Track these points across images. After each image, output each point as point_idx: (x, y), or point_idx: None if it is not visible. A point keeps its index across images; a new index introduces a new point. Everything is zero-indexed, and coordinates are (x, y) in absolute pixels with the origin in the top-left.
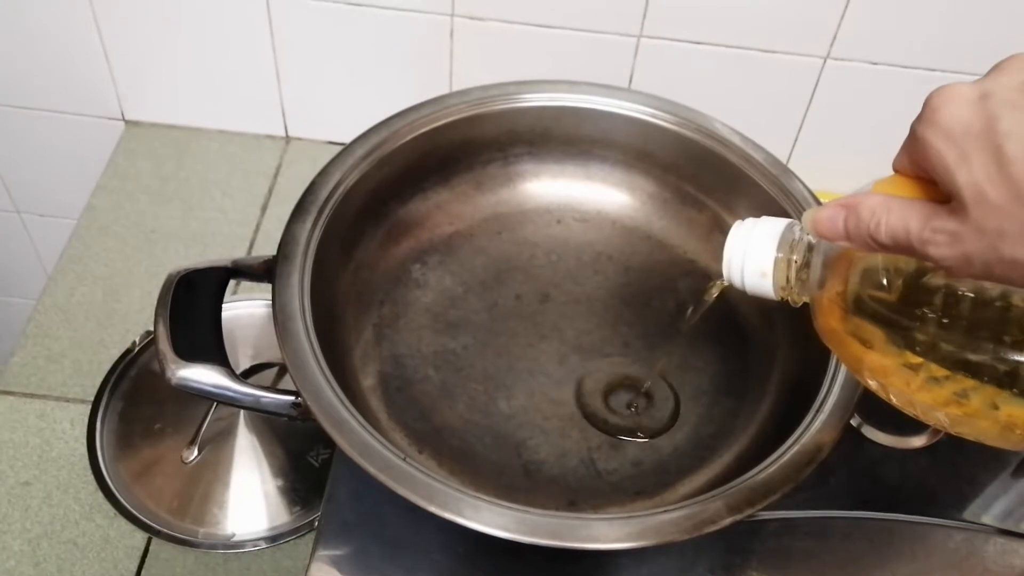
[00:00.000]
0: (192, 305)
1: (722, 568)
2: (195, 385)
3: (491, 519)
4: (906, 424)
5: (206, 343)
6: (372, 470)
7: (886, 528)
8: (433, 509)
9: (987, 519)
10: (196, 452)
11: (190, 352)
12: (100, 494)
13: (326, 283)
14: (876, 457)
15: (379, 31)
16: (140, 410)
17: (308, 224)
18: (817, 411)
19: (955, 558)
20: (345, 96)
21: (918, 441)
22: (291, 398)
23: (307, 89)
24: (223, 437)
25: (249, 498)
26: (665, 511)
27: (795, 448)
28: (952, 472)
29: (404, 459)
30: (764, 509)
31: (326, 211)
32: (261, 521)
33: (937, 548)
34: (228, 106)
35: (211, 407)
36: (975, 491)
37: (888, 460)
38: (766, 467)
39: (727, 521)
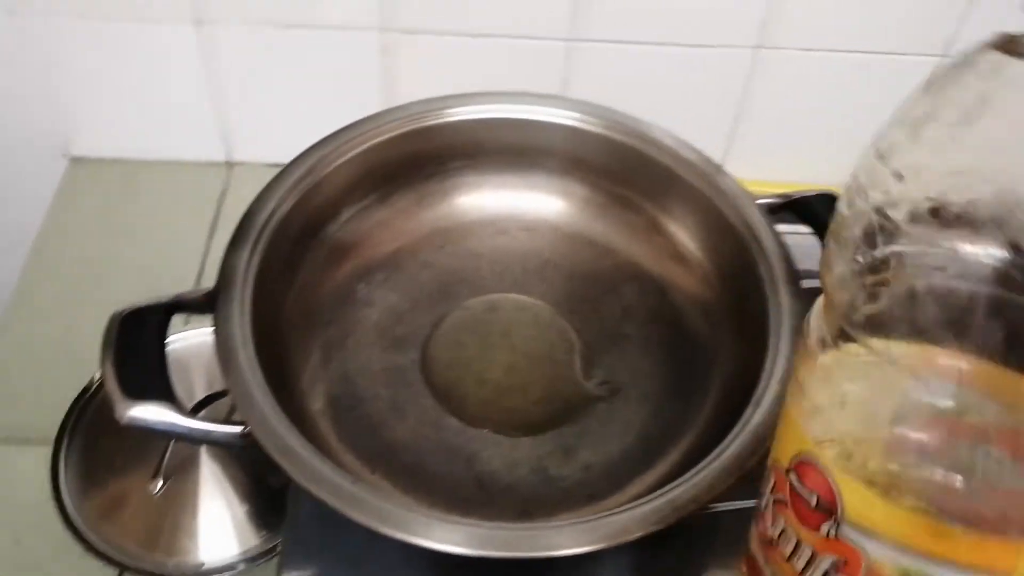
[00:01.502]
0: (138, 343)
1: (682, 564)
2: (145, 424)
3: (443, 536)
4: None
5: (153, 380)
6: (321, 495)
7: None
8: (385, 530)
9: None
10: (161, 483)
11: (139, 390)
12: (68, 533)
13: (269, 309)
14: None
15: (311, 51)
16: (102, 446)
17: (246, 252)
18: (757, 405)
19: None
20: (284, 117)
21: None
22: (239, 429)
23: (245, 113)
24: (186, 466)
25: (217, 525)
26: (613, 513)
27: (737, 442)
28: None
29: (353, 481)
30: (711, 503)
31: (264, 237)
32: (231, 547)
33: None
34: (169, 136)
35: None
36: None
37: None
38: (710, 463)
39: (674, 519)
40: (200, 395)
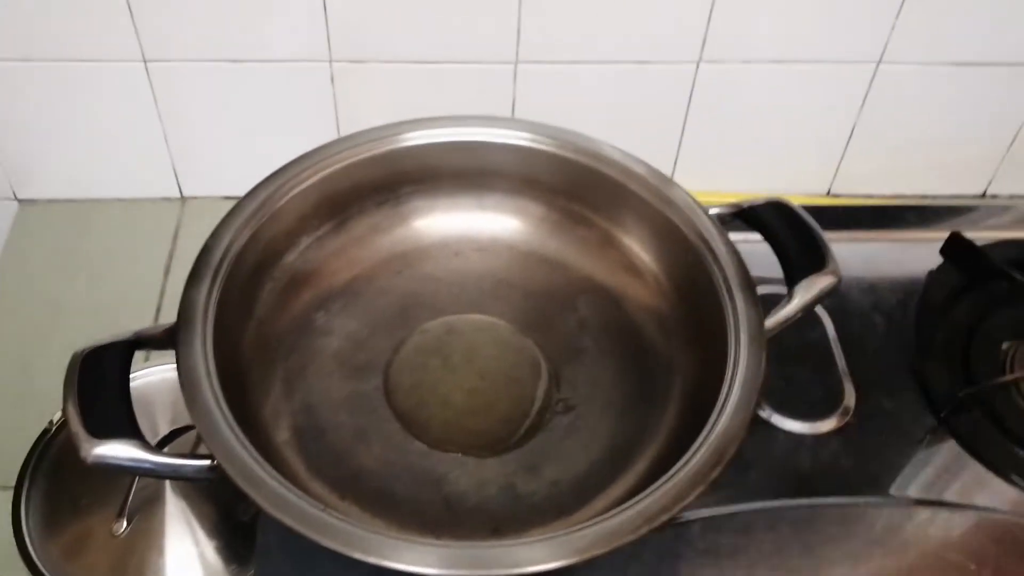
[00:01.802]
0: (100, 382)
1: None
2: (111, 462)
3: (414, 557)
4: (814, 410)
5: (118, 418)
6: (290, 523)
7: (808, 514)
8: (356, 555)
9: (904, 492)
10: (125, 524)
11: (103, 428)
12: None
13: (229, 343)
14: (790, 446)
15: (261, 84)
16: (64, 488)
17: (204, 287)
18: (720, 412)
19: (878, 534)
20: (236, 151)
21: (827, 425)
22: (207, 462)
23: (196, 148)
24: (151, 505)
25: (185, 562)
26: (582, 527)
27: (702, 451)
28: (865, 451)
29: (323, 509)
30: (681, 512)
31: (222, 272)
32: None
33: (860, 527)
34: (121, 174)
35: (135, 477)
36: (889, 467)
37: (802, 447)
38: (676, 472)
39: (644, 530)
40: (164, 430)
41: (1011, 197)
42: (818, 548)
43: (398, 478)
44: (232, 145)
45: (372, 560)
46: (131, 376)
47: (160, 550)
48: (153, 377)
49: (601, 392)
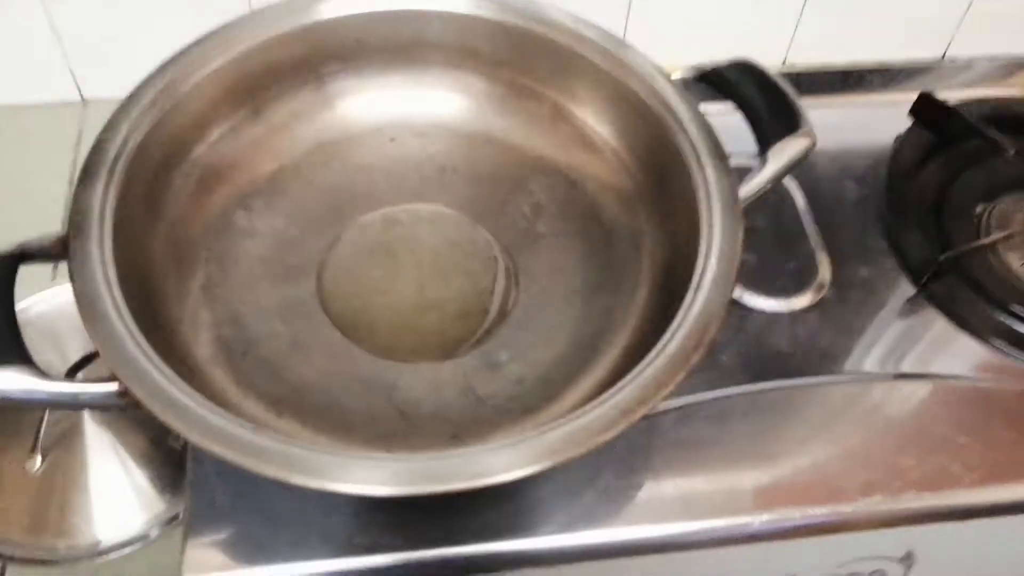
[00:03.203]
0: None
1: (627, 471)
2: None
3: (363, 476)
4: (787, 286)
5: (3, 344)
6: (217, 449)
7: (784, 396)
8: (296, 480)
9: (882, 367)
10: (40, 460)
11: None
12: None
13: (134, 250)
14: (763, 325)
15: None
16: None
17: (99, 188)
18: (696, 290)
19: (856, 411)
20: (137, 43)
21: (802, 301)
22: (114, 387)
23: (93, 43)
24: (69, 437)
25: (113, 497)
26: (551, 428)
27: (680, 333)
28: (841, 327)
29: (253, 428)
30: (660, 403)
31: (119, 169)
32: (133, 519)
33: (837, 405)
34: (7, 76)
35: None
36: (867, 341)
37: (776, 326)
38: (652, 359)
39: (622, 426)
40: (75, 358)
41: (970, 60)
42: (793, 431)
43: (343, 390)
44: (133, 37)
45: (313, 484)
46: (36, 298)
47: (83, 486)
48: (60, 298)
49: (563, 280)
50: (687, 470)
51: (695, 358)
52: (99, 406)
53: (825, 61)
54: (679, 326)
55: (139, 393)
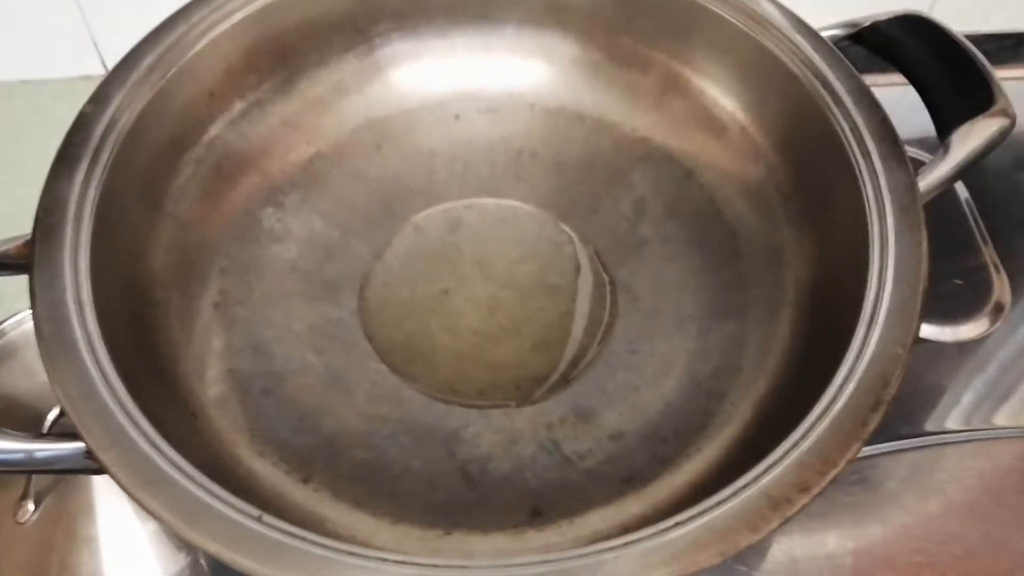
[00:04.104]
0: None
1: (754, 556)
2: None
3: None
4: (953, 309)
5: None
6: (209, 545)
7: (961, 452)
8: None
9: None
10: (32, 507)
11: None
12: None
13: (124, 259)
14: (928, 358)
15: None
16: None
17: (78, 177)
18: (870, 324)
19: None
20: (164, 14)
21: (973, 329)
22: (83, 445)
23: (117, 14)
24: (68, 479)
25: (124, 552)
26: (675, 525)
27: (849, 387)
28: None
29: (258, 518)
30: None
31: (106, 153)
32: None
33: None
34: (27, 51)
35: None
36: None
37: (939, 361)
38: (813, 424)
39: (774, 524)
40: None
41: None
42: (985, 501)
43: (392, 440)
44: (160, 5)
45: None
46: (17, 317)
47: (87, 539)
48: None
49: (673, 300)
50: (835, 555)
51: (872, 425)
52: (64, 470)
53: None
54: (848, 376)
55: (105, 456)
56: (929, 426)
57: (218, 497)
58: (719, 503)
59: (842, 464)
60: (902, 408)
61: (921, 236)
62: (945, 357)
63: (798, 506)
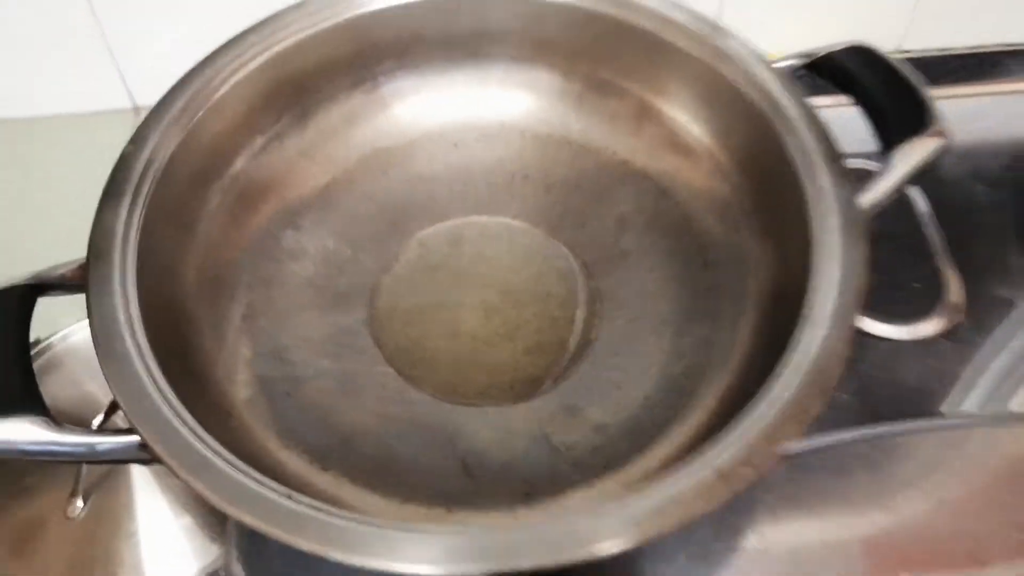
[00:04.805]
0: None
1: (728, 531)
2: (6, 447)
3: (410, 553)
4: (911, 310)
5: (11, 389)
6: (245, 517)
7: (912, 440)
8: (333, 555)
9: None
10: (81, 505)
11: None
12: None
13: (163, 279)
14: (885, 356)
15: None
16: (5, 465)
17: (123, 209)
18: (811, 322)
19: (999, 459)
20: (187, 45)
21: (930, 327)
22: (136, 438)
23: (143, 47)
24: (112, 479)
25: (161, 544)
26: (639, 494)
27: (794, 379)
28: (977, 357)
29: (288, 494)
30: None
31: (146, 186)
32: (184, 567)
33: (975, 450)
34: (56, 86)
35: None
36: (1009, 374)
37: (900, 357)
38: (761, 411)
39: (725, 495)
40: (105, 401)
41: None
42: (930, 483)
43: (398, 438)
44: (182, 39)
45: (356, 561)
46: (62, 333)
47: (129, 533)
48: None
49: (652, 306)
50: (798, 529)
51: (814, 412)
52: (120, 460)
53: (946, 44)
54: (792, 370)
55: (158, 447)
56: (944, 409)
57: (253, 479)
58: (679, 479)
59: (787, 445)
60: (870, 400)
61: (861, 246)
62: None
63: (746, 480)
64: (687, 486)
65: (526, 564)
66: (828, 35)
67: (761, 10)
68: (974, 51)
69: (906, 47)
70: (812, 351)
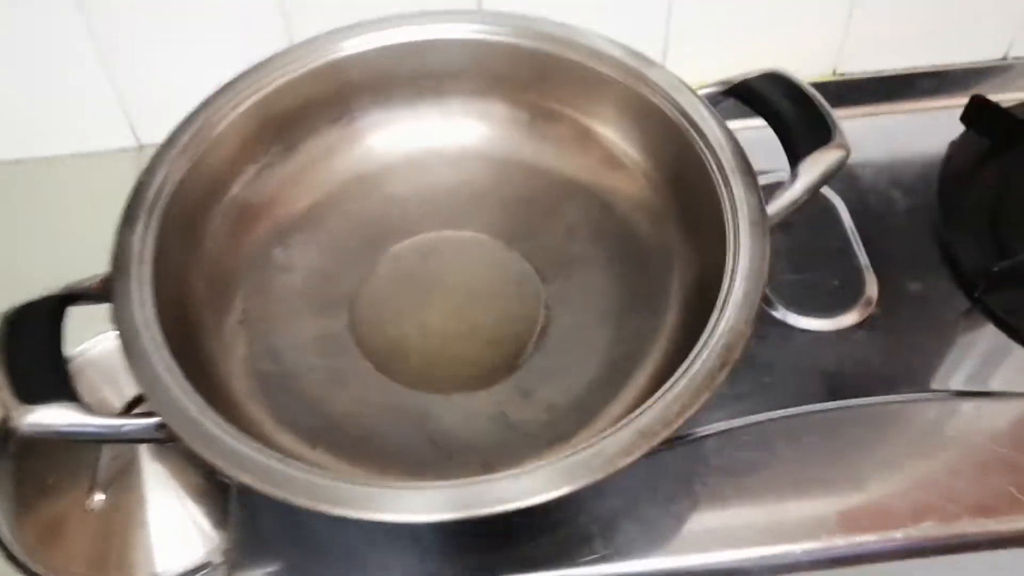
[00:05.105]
0: (30, 343)
1: (667, 500)
2: (47, 429)
3: (387, 504)
4: (832, 304)
5: (50, 380)
6: (247, 479)
7: (834, 419)
8: (323, 508)
9: (936, 385)
10: (99, 498)
11: (36, 393)
12: (8, 565)
13: (174, 288)
14: (808, 345)
15: (203, 7)
16: (31, 467)
17: (139, 229)
18: (722, 309)
19: (915, 434)
20: (186, 87)
21: (848, 319)
22: (155, 420)
23: (146, 89)
24: (126, 474)
25: (171, 532)
26: (574, 453)
27: (704, 354)
28: (891, 344)
29: (282, 459)
30: (684, 426)
31: (158, 210)
32: (191, 552)
33: (894, 428)
34: (67, 128)
35: (101, 445)
36: (919, 358)
37: (821, 345)
38: (676, 381)
39: (643, 449)
40: (129, 397)
41: None
42: (848, 455)
43: (377, 421)
44: (182, 81)
45: (340, 511)
46: (97, 339)
47: (142, 522)
48: (112, 340)
49: (597, 302)
50: (729, 498)
51: (720, 379)
52: (141, 439)
53: (878, 68)
54: (703, 348)
55: (176, 427)
56: (822, 398)
57: (252, 447)
58: (606, 438)
59: (695, 408)
60: (795, 384)
61: (765, 245)
62: (829, 343)
63: (661, 437)
64: (613, 443)
65: (474, 512)
66: (771, 62)
67: (705, 42)
68: (898, 73)
69: (841, 70)
70: (719, 331)
